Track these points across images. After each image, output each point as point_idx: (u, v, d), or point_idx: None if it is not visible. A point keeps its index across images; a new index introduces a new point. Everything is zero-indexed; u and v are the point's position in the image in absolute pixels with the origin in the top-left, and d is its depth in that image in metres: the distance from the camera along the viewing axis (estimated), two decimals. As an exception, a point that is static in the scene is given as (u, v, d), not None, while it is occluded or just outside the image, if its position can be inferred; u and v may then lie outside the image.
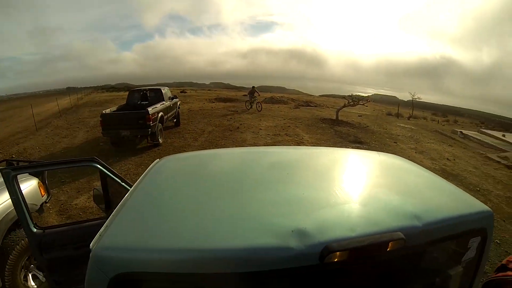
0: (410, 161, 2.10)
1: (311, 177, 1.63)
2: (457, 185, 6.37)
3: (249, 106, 21.89)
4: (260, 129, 13.87)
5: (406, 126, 19.16)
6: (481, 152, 13.52)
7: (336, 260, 0.99)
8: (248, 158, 1.98)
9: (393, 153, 8.12)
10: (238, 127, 14.03)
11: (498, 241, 5.41)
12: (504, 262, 1.26)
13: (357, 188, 1.57)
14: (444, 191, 1.69)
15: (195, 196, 1.40)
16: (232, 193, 1.42)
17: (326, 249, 0.99)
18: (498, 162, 11.99)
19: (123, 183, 2.90)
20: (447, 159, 11.35)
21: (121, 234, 1.14)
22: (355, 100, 17.95)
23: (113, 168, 3.03)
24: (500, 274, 1.17)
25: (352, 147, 11.32)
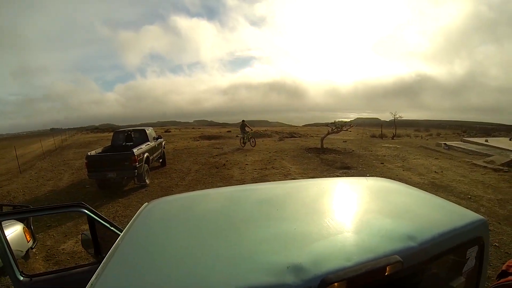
0: (397, 182, 2.15)
1: (301, 211, 1.64)
2: (447, 195, 6.45)
3: (243, 143, 20.39)
4: (247, 164, 13.89)
5: (391, 145, 19.48)
6: (467, 160, 13.77)
7: None
8: (237, 197, 1.97)
9: (381, 174, 8.26)
10: (224, 164, 14.04)
11: (496, 244, 5.46)
12: (504, 267, 1.27)
13: (348, 216, 1.59)
14: (435, 207, 1.73)
15: (187, 239, 1.39)
16: (224, 233, 1.41)
17: (323, 282, 0.98)
18: (485, 167, 12.24)
19: (112, 228, 2.83)
20: (435, 172, 11.51)
21: (114, 284, 1.10)
22: (338, 127, 18.25)
23: (101, 211, 2.97)
24: (502, 280, 1.17)
25: (340, 173, 11.45)
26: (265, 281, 1.01)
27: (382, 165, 12.73)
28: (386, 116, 34.80)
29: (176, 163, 15.22)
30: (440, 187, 9.27)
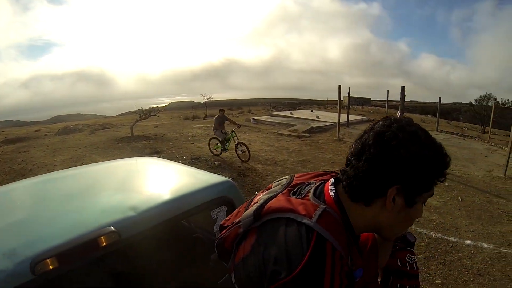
0: (160, 159, 2.34)
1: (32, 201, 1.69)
2: (255, 163, 7.21)
3: (221, 148, 10.81)
4: (55, 165, 12.49)
5: (203, 126, 20.39)
6: (273, 131, 15.67)
7: (51, 268, 1.03)
8: None
9: (190, 154, 8.50)
10: (31, 169, 12.29)
11: None
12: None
13: (77, 196, 1.68)
14: (184, 176, 1.97)
15: None
16: None
17: (33, 262, 1.01)
18: (289, 135, 14.24)
19: None
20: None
21: None
22: (146, 113, 18.08)
23: None
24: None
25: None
26: None
27: (192, 145, 13.29)
28: (199, 99, 36.18)
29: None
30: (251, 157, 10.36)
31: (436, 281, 4.32)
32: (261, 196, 1.07)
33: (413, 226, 5.75)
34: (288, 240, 0.88)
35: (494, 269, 4.76)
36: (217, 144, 10.81)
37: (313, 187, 1.05)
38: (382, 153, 0.89)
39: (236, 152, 10.30)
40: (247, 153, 9.88)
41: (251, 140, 13.56)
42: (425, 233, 5.52)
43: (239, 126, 11.37)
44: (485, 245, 5.50)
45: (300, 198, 1.01)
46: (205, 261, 1.91)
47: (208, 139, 11.64)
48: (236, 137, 10.41)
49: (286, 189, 1.08)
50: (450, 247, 5.23)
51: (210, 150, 11.16)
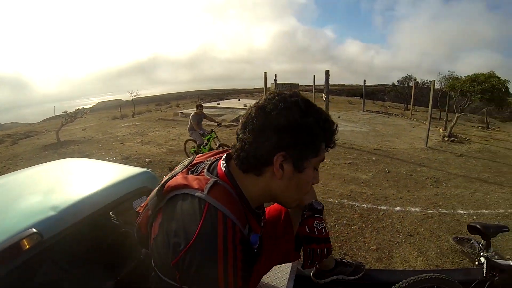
0: (84, 159, 2.35)
1: None
2: (184, 156, 7.20)
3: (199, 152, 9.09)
4: None
5: (131, 124, 19.79)
6: (202, 123, 15.65)
7: None
8: None
9: (120, 154, 8.27)
10: None
11: None
12: None
13: None
14: (103, 171, 2.01)
15: None
16: None
17: None
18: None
19: None
20: (173, 139, 12.74)
21: None
22: (72, 116, 17.13)
23: None
24: None
25: (77, 164, 10.96)
26: None
27: (122, 144, 12.90)
28: (127, 96, 35.02)
29: None
30: (177, 152, 10.31)
31: (372, 247, 4.59)
32: (165, 178, 1.10)
33: (345, 200, 6.15)
34: (184, 213, 0.94)
35: (422, 229, 5.18)
36: (194, 147, 9.15)
37: (208, 164, 1.11)
38: (264, 123, 0.95)
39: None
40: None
41: (180, 134, 13.48)
42: (357, 205, 5.85)
43: (219, 124, 9.43)
44: (412, 209, 5.95)
45: (196, 175, 1.07)
46: (136, 255, 1.95)
47: (184, 142, 9.90)
48: (216, 138, 8.79)
49: (186, 168, 1.14)
50: (381, 215, 5.58)
51: (187, 154, 9.47)
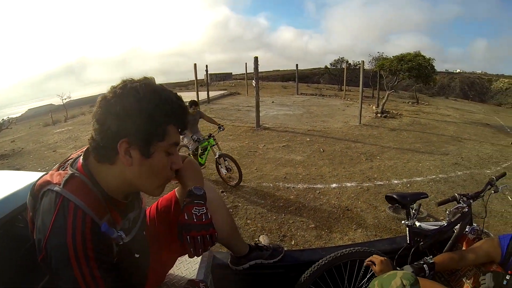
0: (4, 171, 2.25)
1: None
2: None
3: None
4: None
5: (64, 129, 18.75)
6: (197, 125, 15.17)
7: None
8: None
9: (54, 162, 7.75)
10: None
11: None
12: None
13: None
14: (14, 179, 1.90)
15: None
16: None
17: None
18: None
19: None
20: None
21: None
22: (-2, 128, 15.91)
23: None
24: None
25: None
26: None
27: (54, 152, 12.17)
28: (58, 101, 33.28)
29: None
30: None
31: (311, 225, 4.54)
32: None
33: (280, 183, 6.11)
34: (44, 209, 0.95)
35: (359, 202, 5.25)
36: (189, 155, 6.00)
37: (73, 158, 1.11)
38: (105, 111, 0.95)
39: (218, 169, 6.37)
40: (235, 171, 6.06)
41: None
42: (293, 187, 5.79)
43: (221, 127, 6.70)
44: (349, 184, 6.01)
45: (62, 170, 1.06)
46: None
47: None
48: (216, 146, 6.29)
49: (58, 165, 1.12)
50: (318, 193, 5.57)
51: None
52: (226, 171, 6.03)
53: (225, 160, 6.05)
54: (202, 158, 6.48)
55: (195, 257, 1.25)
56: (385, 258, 1.65)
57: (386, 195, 2.08)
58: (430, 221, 4.48)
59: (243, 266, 1.90)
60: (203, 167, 6.46)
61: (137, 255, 1.20)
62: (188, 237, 1.22)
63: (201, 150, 6.48)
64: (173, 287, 1.65)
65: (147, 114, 0.94)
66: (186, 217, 1.24)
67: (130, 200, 1.18)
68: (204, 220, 1.25)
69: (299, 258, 2.06)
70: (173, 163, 1.08)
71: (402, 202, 1.97)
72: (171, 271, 1.73)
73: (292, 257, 2.05)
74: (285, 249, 2.09)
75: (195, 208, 1.26)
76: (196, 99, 9.17)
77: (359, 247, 1.87)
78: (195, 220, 1.23)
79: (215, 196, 1.62)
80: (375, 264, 1.63)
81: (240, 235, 1.91)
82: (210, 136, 6.24)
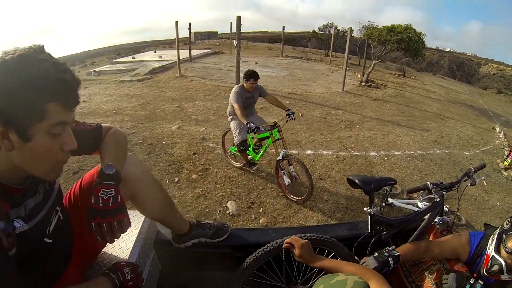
0: None
1: None
2: (95, 118, 6.42)
3: (250, 164, 4.91)
4: None
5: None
6: (115, 79, 14.36)
7: None
8: None
9: None
10: None
11: (140, 141, 5.98)
12: None
13: None
14: None
15: None
16: None
17: None
18: (131, 80, 13.23)
19: None
20: (83, 101, 11.45)
21: None
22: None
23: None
24: None
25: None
26: None
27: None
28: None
29: None
30: (88, 113, 9.29)
31: (281, 193, 4.44)
32: None
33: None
34: None
35: (334, 171, 5.10)
36: (235, 151, 5.02)
37: None
38: None
39: (278, 174, 4.51)
40: (305, 182, 4.15)
41: (91, 94, 12.24)
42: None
43: (290, 114, 4.55)
44: (324, 152, 5.86)
45: None
46: None
47: (222, 134, 5.41)
48: (281, 141, 4.34)
49: None
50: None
51: (224, 152, 5.39)
52: (289, 181, 4.27)
53: (290, 165, 4.31)
54: (257, 154, 4.71)
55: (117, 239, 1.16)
56: (306, 241, 1.52)
57: (348, 177, 1.85)
58: (403, 199, 4.39)
59: (186, 244, 1.82)
60: (256, 165, 4.89)
61: (49, 240, 1.11)
62: (93, 223, 1.11)
63: (257, 141, 4.80)
64: (105, 267, 1.52)
65: (14, 92, 0.82)
66: (92, 201, 1.13)
67: (30, 184, 1.05)
68: (111, 204, 1.14)
69: (246, 238, 1.97)
70: (64, 143, 0.95)
71: (364, 188, 1.75)
72: (105, 250, 1.64)
73: (239, 237, 1.96)
74: (232, 227, 2.01)
75: (103, 191, 1.15)
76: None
77: (312, 234, 1.72)
78: (100, 204, 1.13)
79: (142, 171, 1.48)
80: (294, 248, 1.48)
81: (178, 212, 1.76)
82: (274, 125, 4.30)
